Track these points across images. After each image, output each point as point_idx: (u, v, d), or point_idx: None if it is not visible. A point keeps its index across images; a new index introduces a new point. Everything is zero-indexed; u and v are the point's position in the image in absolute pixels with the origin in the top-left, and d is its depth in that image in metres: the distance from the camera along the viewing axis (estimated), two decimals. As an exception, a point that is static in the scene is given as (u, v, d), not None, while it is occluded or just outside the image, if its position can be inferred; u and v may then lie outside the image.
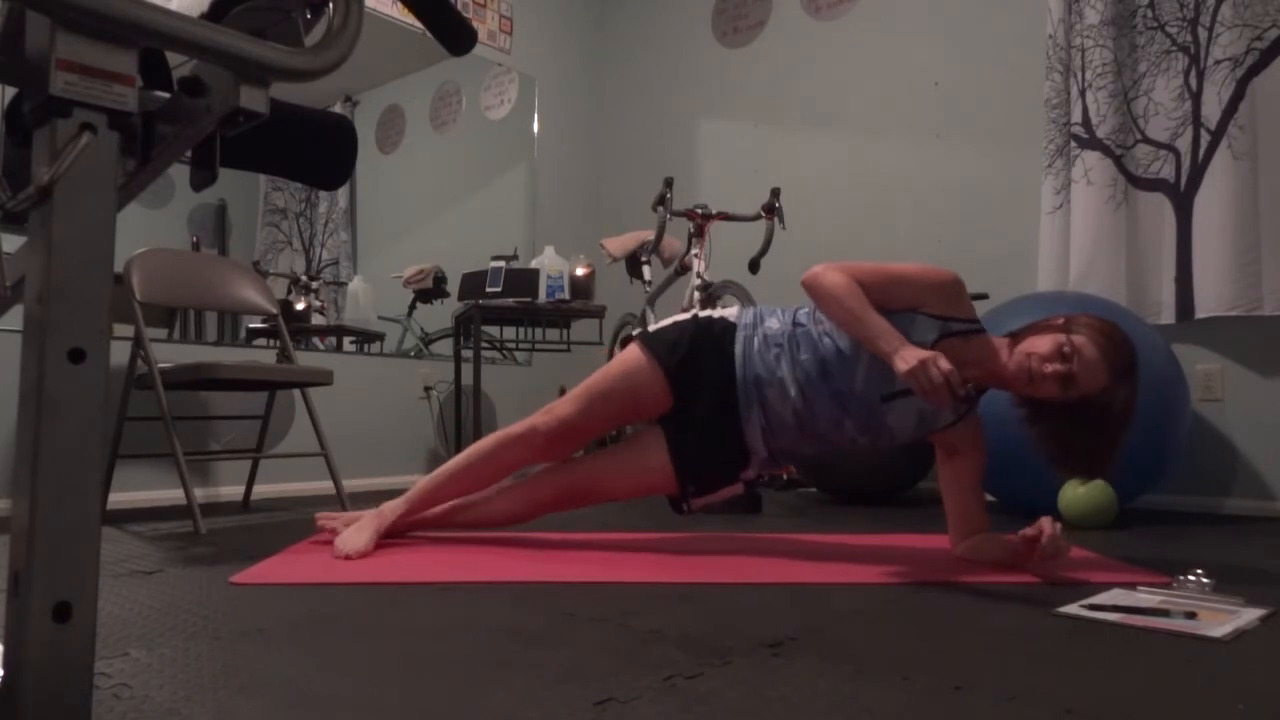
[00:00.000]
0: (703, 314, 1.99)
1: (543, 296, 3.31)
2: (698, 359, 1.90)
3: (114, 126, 0.70)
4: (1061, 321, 1.71)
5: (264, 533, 2.24)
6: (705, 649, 1.13)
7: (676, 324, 1.97)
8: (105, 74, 0.68)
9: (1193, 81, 2.84)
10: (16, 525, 0.70)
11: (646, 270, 3.42)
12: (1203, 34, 2.82)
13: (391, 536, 2.00)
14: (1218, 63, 2.78)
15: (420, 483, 2.01)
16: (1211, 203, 2.77)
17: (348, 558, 1.78)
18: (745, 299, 2.72)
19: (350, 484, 3.12)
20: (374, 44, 3.61)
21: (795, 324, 1.87)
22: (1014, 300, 2.72)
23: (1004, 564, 1.73)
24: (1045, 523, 1.62)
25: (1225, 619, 1.30)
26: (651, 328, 2.02)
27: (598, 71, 4.70)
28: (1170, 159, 2.88)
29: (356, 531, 1.88)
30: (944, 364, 1.53)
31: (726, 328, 1.92)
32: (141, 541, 2.09)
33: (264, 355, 3.22)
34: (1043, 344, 1.66)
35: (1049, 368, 1.63)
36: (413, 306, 3.82)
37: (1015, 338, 1.75)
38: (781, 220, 3.06)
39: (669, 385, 1.90)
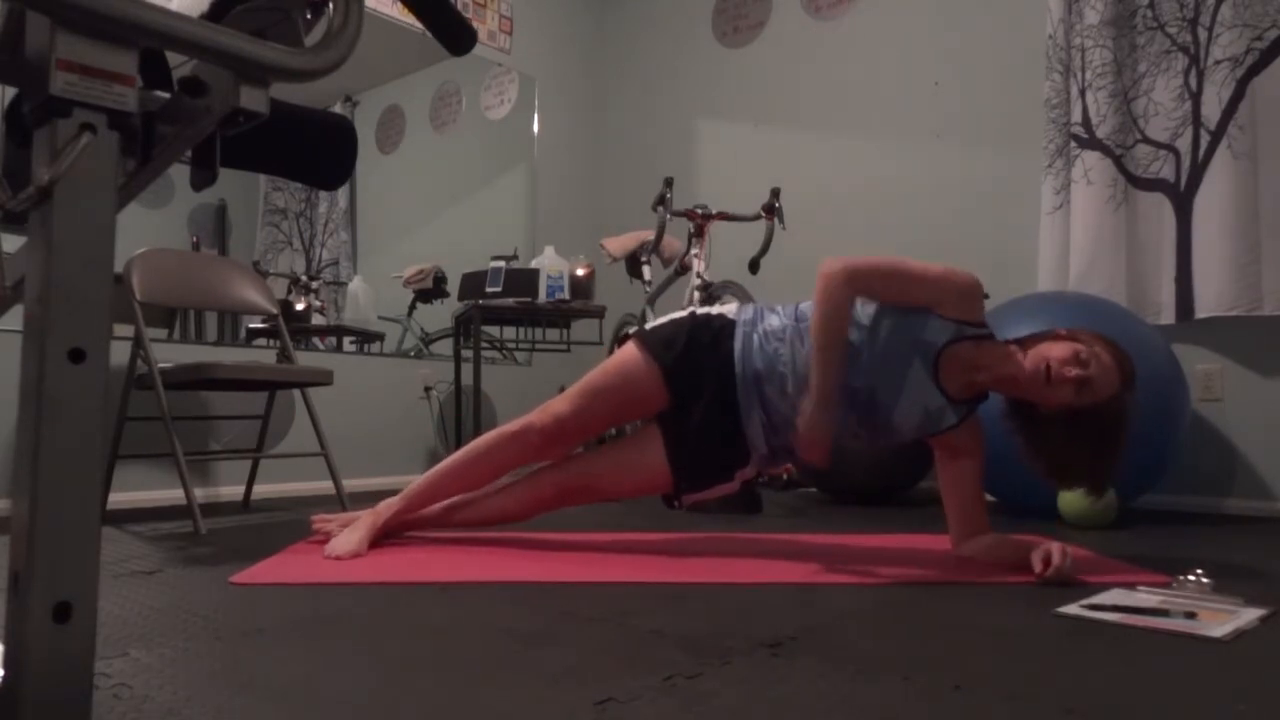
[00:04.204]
0: (700, 311, 1.97)
1: (543, 296, 3.31)
2: (695, 355, 1.89)
3: (114, 126, 0.70)
4: (1066, 332, 1.73)
5: (264, 533, 2.24)
6: (705, 649, 1.13)
7: (673, 321, 1.97)
8: (105, 74, 0.68)
9: (1193, 81, 2.84)
10: (16, 525, 0.70)
11: (646, 270, 3.42)
12: (1203, 34, 2.82)
13: (389, 535, 2.00)
14: (1218, 63, 2.78)
15: (417, 481, 2.00)
16: (1211, 203, 2.77)
17: (338, 559, 1.78)
18: (745, 299, 2.72)
19: (350, 484, 3.12)
20: (374, 44, 3.61)
21: (798, 319, 1.86)
22: (1014, 300, 2.72)
23: (1008, 565, 1.73)
24: (1056, 553, 1.59)
25: (1225, 619, 1.30)
26: (648, 325, 2.00)
27: (598, 71, 4.71)
28: (1170, 159, 2.88)
29: (349, 533, 1.88)
30: (823, 445, 1.70)
31: (725, 324, 1.92)
32: (141, 541, 2.09)
33: (264, 355, 3.22)
34: (1058, 349, 1.68)
35: (1069, 371, 1.65)
36: (413, 306, 3.82)
37: (1022, 345, 1.76)
38: (781, 220, 3.06)
39: (665, 382, 1.89)
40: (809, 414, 1.70)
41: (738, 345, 1.88)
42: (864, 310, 1.80)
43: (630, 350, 1.94)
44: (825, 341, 1.71)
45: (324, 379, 2.66)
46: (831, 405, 1.71)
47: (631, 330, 3.41)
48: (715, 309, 1.98)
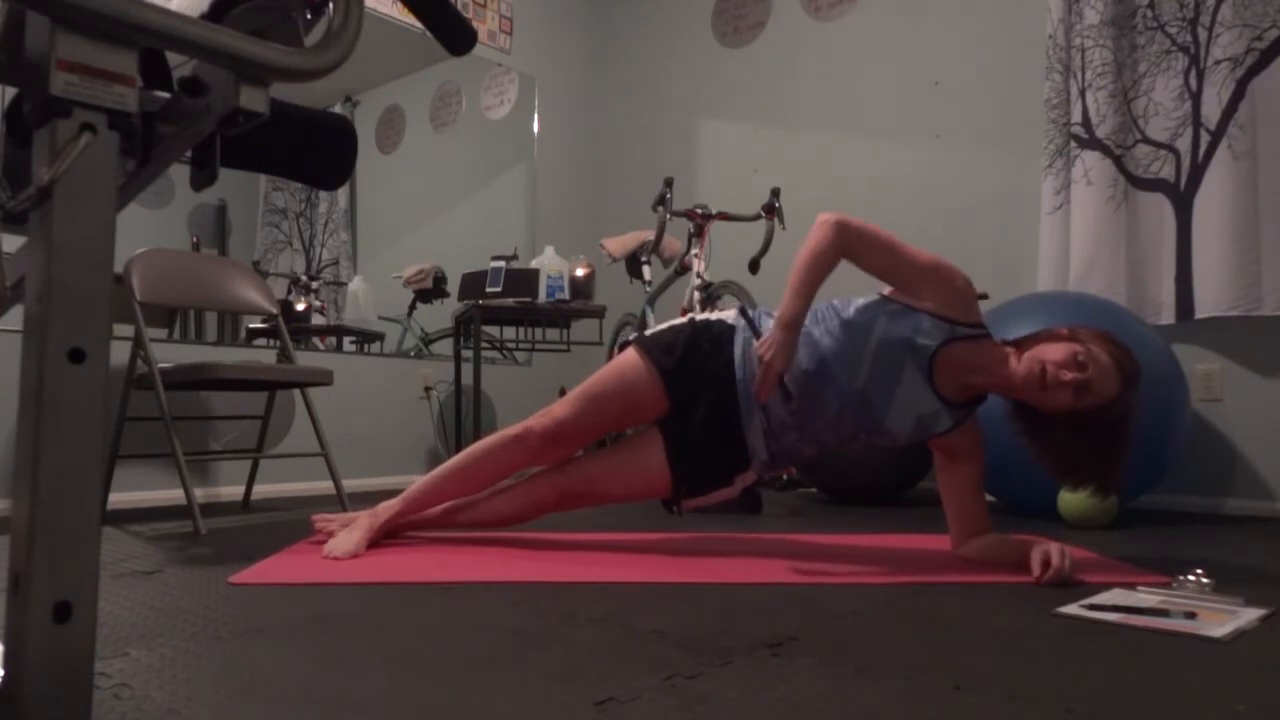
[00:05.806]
0: (699, 317, 1.97)
1: (543, 296, 3.31)
2: (695, 362, 1.89)
3: (114, 126, 0.70)
4: (1066, 331, 1.71)
5: (264, 533, 2.24)
6: (705, 649, 1.13)
7: (673, 327, 1.96)
8: (105, 74, 0.68)
9: (1193, 81, 2.84)
10: (16, 525, 0.70)
11: (646, 270, 3.42)
12: (1203, 34, 2.82)
13: (388, 536, 2.00)
14: (1218, 63, 2.78)
15: (416, 483, 2.00)
16: (1211, 203, 2.77)
17: (336, 559, 1.78)
18: (745, 299, 2.72)
19: (350, 484, 3.12)
20: (374, 44, 3.61)
21: None
22: (1014, 300, 2.72)
23: (1009, 567, 1.72)
24: (1055, 554, 1.58)
25: (1225, 619, 1.30)
26: (648, 331, 2.00)
27: (598, 71, 4.71)
28: (1170, 159, 2.88)
29: (347, 533, 1.88)
30: (778, 368, 1.69)
31: (724, 330, 1.91)
32: (141, 541, 2.09)
33: (264, 355, 3.22)
34: (1056, 351, 1.66)
35: (1066, 375, 1.63)
36: (413, 306, 3.82)
37: (1020, 346, 1.75)
38: (781, 220, 3.06)
39: (665, 389, 1.89)
40: (770, 333, 1.71)
41: (738, 351, 1.87)
42: (857, 313, 1.79)
43: (630, 356, 1.94)
44: (803, 278, 1.71)
45: (324, 379, 2.66)
46: (795, 329, 1.70)
47: (631, 333, 3.42)
48: (714, 315, 1.98)
